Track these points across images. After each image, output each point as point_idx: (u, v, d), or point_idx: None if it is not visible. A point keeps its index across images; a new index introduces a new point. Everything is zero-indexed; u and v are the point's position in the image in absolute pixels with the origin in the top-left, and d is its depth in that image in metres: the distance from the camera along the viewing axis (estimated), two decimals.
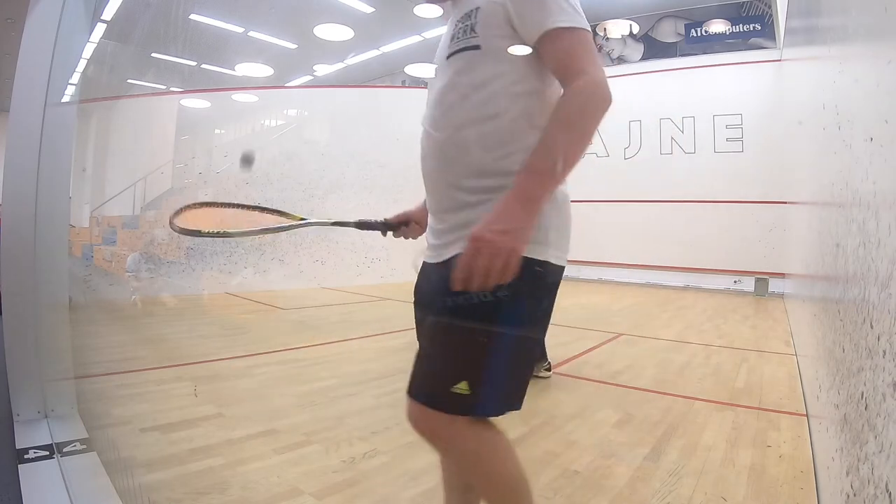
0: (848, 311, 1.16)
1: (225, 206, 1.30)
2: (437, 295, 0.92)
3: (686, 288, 7.70)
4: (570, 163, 0.83)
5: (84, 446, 1.74)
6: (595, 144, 8.61)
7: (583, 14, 0.89)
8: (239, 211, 1.31)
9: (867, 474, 0.83)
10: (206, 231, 1.17)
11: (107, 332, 3.98)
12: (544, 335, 1.04)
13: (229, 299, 5.78)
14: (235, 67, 10.05)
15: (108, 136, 7.16)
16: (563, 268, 0.95)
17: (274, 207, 1.30)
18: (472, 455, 0.90)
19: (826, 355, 1.58)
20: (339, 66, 11.24)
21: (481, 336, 0.86)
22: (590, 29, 0.91)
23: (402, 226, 1.19)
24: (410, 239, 1.21)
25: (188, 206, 1.25)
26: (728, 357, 3.50)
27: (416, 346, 0.97)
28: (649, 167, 8.25)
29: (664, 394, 2.62)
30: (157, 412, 2.16)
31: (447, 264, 0.90)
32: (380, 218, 1.20)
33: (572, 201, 0.97)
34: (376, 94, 9.62)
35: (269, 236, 6.73)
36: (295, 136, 7.80)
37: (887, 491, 0.70)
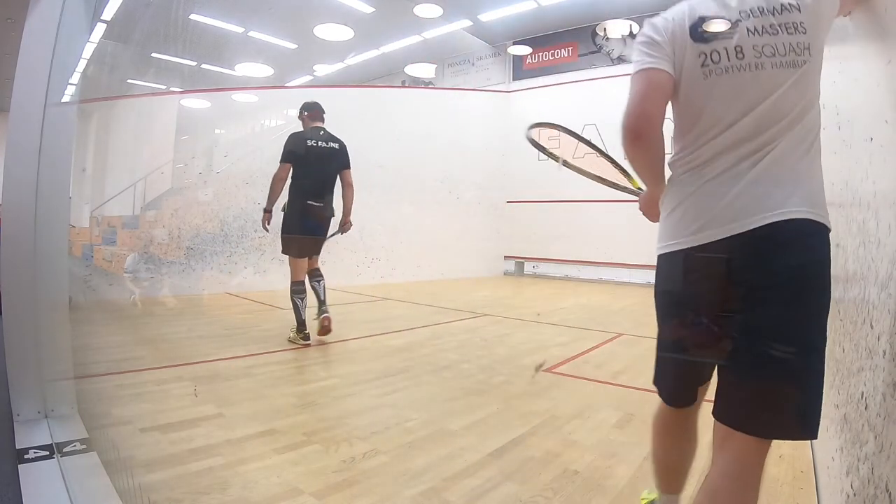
0: (848, 311, 1.16)
1: (577, 138, 1.57)
2: None
3: None
4: None
5: (84, 446, 1.74)
6: (595, 144, 8.62)
7: None
8: (588, 150, 1.56)
9: (867, 474, 0.83)
10: (559, 158, 1.40)
11: (107, 332, 3.98)
12: (665, 325, 1.21)
13: (229, 299, 5.77)
14: (235, 67, 10.05)
15: (108, 136, 7.15)
16: (667, 255, 1.09)
17: (619, 161, 1.42)
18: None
19: (826, 355, 1.58)
20: (339, 66, 11.23)
21: None
22: None
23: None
24: None
25: (546, 125, 1.59)
26: None
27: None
28: None
29: None
30: (157, 412, 2.16)
31: None
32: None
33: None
34: (376, 94, 9.62)
35: (268, 237, 6.73)
36: None
37: (887, 491, 0.70)
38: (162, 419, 2.07)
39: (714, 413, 0.97)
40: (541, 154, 1.56)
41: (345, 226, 3.84)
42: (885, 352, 0.77)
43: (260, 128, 8.11)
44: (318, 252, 3.83)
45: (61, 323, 2.04)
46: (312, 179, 3.59)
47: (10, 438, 1.76)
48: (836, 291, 1.41)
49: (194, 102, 7.72)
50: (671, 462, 1.23)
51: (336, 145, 3.74)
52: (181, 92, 7.98)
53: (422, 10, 8.40)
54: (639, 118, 0.98)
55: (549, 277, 9.22)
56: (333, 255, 7.44)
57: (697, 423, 1.20)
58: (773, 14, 0.93)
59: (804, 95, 0.95)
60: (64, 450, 1.69)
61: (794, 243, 0.91)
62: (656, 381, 1.23)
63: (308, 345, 3.50)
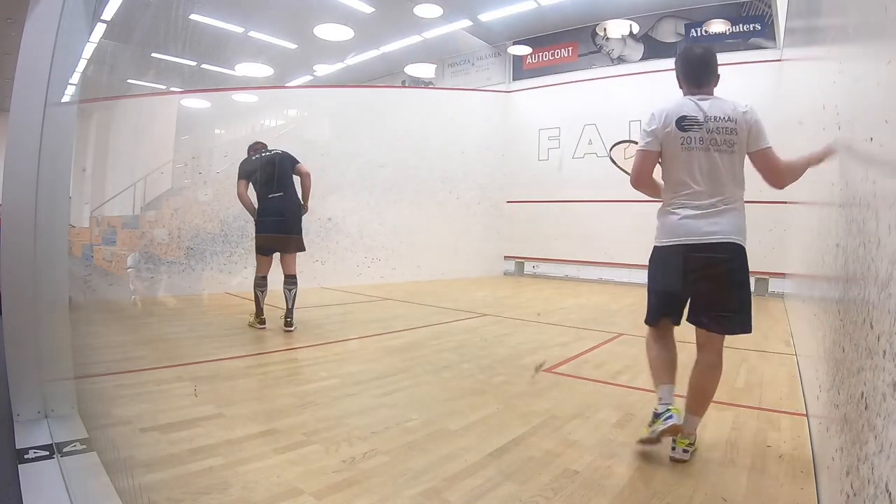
0: (848, 311, 1.16)
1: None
2: None
3: None
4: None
5: (84, 446, 1.74)
6: (595, 145, 8.61)
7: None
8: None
9: (867, 474, 0.83)
10: (619, 165, 2.42)
11: (107, 332, 3.98)
12: (657, 288, 1.99)
13: (229, 299, 5.77)
14: (235, 67, 10.05)
15: (108, 136, 7.14)
16: (659, 247, 1.93)
17: None
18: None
19: (826, 355, 1.58)
20: (339, 66, 11.23)
21: None
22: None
23: None
24: None
25: (625, 142, 2.64)
26: (728, 357, 3.47)
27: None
28: None
29: None
30: (157, 412, 2.16)
31: None
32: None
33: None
34: (376, 94, 9.61)
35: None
36: (295, 136, 7.79)
37: (887, 491, 0.70)
38: (162, 419, 2.07)
39: (696, 324, 1.90)
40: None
41: (303, 209, 4.11)
42: (885, 352, 0.77)
43: (260, 128, 8.12)
44: (290, 249, 4.04)
45: (61, 323, 2.04)
46: (267, 178, 4.00)
47: (10, 438, 1.77)
48: (836, 291, 1.41)
49: (194, 102, 7.72)
50: (661, 357, 1.93)
51: (280, 151, 4.16)
52: (181, 92, 7.97)
53: (422, 10, 8.40)
54: (637, 179, 1.88)
55: (549, 277, 9.22)
56: (334, 256, 7.47)
57: (674, 337, 1.99)
58: (723, 121, 1.74)
59: (734, 169, 1.77)
60: (64, 450, 1.69)
61: (731, 255, 1.77)
62: (648, 317, 1.99)
63: (264, 328, 3.98)
